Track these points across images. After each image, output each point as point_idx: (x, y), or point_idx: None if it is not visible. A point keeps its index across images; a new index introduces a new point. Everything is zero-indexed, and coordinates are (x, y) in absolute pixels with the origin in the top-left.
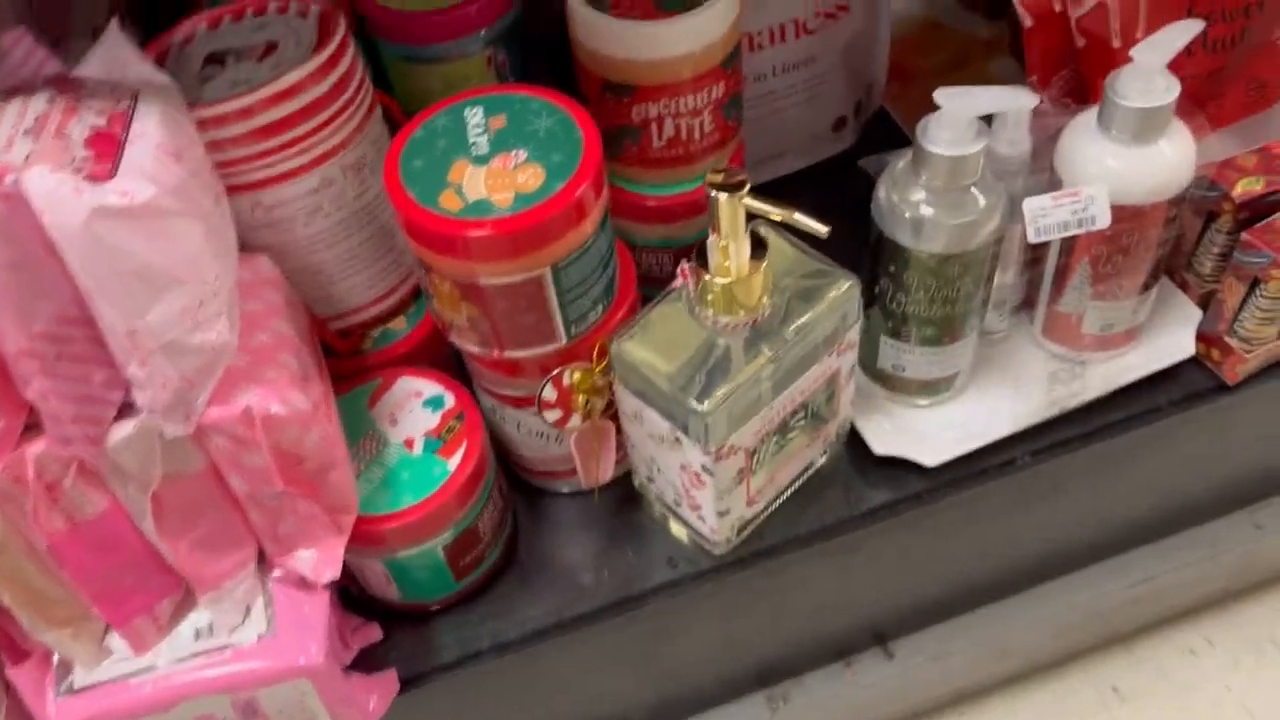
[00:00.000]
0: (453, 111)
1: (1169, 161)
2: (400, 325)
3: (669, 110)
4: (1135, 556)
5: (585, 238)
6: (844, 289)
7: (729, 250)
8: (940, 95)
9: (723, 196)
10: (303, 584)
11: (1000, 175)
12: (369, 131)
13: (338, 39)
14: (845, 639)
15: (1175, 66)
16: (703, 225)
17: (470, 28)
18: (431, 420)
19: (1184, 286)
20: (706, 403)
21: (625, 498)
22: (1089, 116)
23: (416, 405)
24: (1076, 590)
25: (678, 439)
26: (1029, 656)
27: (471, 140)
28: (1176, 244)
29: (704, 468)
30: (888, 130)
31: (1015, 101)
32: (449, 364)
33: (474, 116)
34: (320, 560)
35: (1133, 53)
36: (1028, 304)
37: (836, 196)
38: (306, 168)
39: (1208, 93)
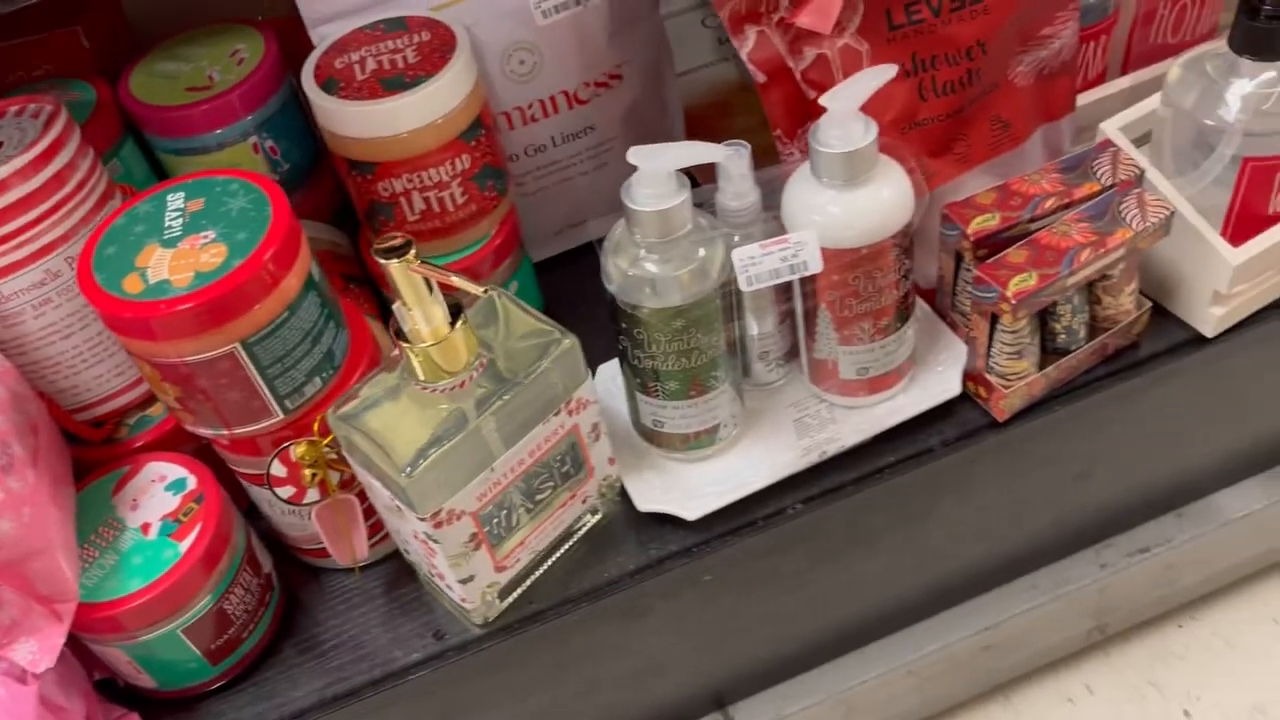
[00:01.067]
0: (156, 198)
1: (881, 203)
2: (157, 411)
3: (414, 184)
4: (981, 602)
5: (276, 312)
6: (564, 347)
7: (418, 316)
8: (633, 154)
9: (392, 264)
10: (23, 676)
11: (734, 228)
12: (99, 221)
13: (52, 134)
14: (681, 704)
15: (912, 110)
16: None
17: (228, 117)
18: (171, 503)
19: (954, 326)
20: (410, 469)
21: (402, 570)
22: (805, 167)
23: (159, 489)
24: (925, 640)
25: (398, 507)
26: (881, 713)
27: (167, 224)
28: (940, 282)
29: (427, 535)
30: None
31: (707, 155)
32: (208, 448)
33: (175, 201)
34: (39, 650)
35: (823, 101)
36: (796, 352)
37: None
38: (28, 260)
39: (953, 133)
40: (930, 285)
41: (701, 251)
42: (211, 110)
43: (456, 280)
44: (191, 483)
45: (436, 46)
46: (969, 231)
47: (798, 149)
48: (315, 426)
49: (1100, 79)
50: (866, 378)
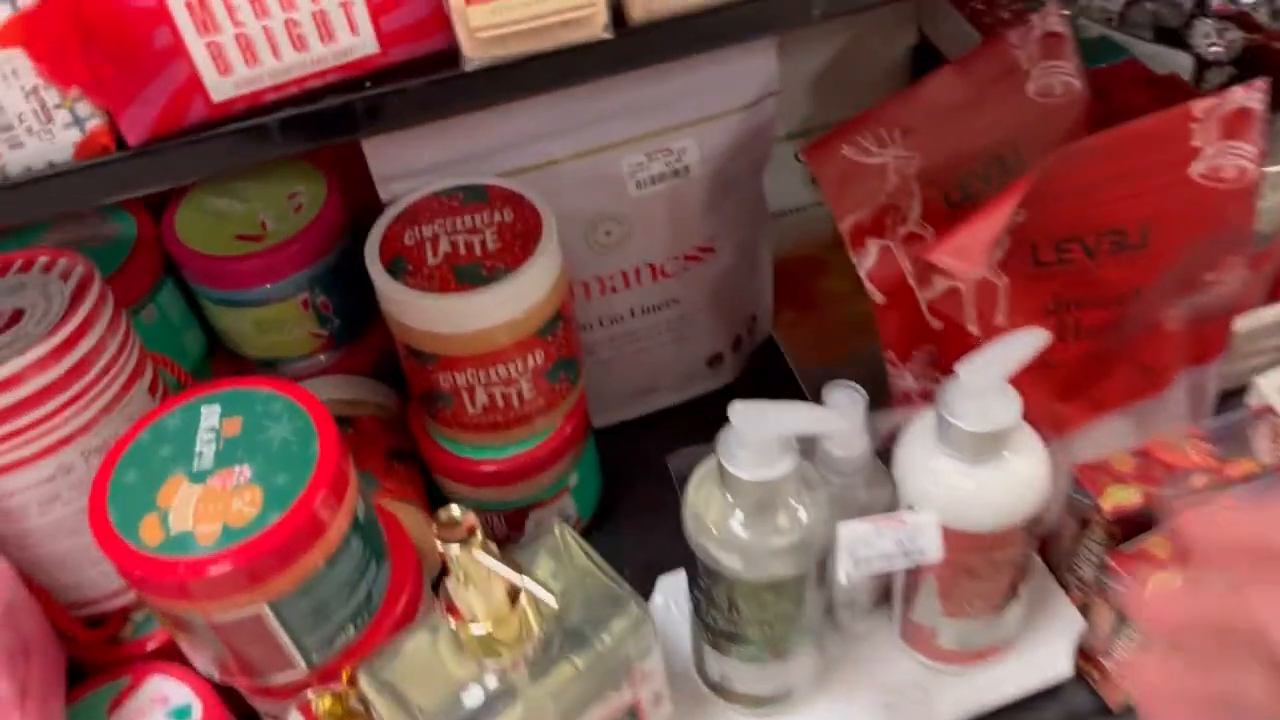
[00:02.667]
0: (188, 410)
1: (1014, 485)
2: None
3: (479, 380)
4: None
5: (313, 568)
6: (632, 619)
7: (474, 598)
8: (735, 415)
9: (453, 549)
10: None
11: (835, 474)
12: (123, 408)
13: (81, 312)
14: None
15: (1047, 353)
16: (535, 486)
17: (280, 273)
18: None
19: (1067, 588)
20: None
21: None
22: (925, 421)
23: (160, 714)
24: None
25: None
26: None
27: (198, 449)
28: (1056, 541)
29: None
30: (776, 362)
31: (820, 424)
32: None
33: (209, 418)
34: None
35: (959, 371)
36: (889, 599)
37: (713, 432)
38: (38, 456)
39: (1089, 375)
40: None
41: (804, 516)
42: (262, 266)
43: (530, 586)
44: (196, 711)
45: (520, 231)
46: (1105, 507)
47: (910, 372)
48: (344, 677)
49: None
50: (968, 650)
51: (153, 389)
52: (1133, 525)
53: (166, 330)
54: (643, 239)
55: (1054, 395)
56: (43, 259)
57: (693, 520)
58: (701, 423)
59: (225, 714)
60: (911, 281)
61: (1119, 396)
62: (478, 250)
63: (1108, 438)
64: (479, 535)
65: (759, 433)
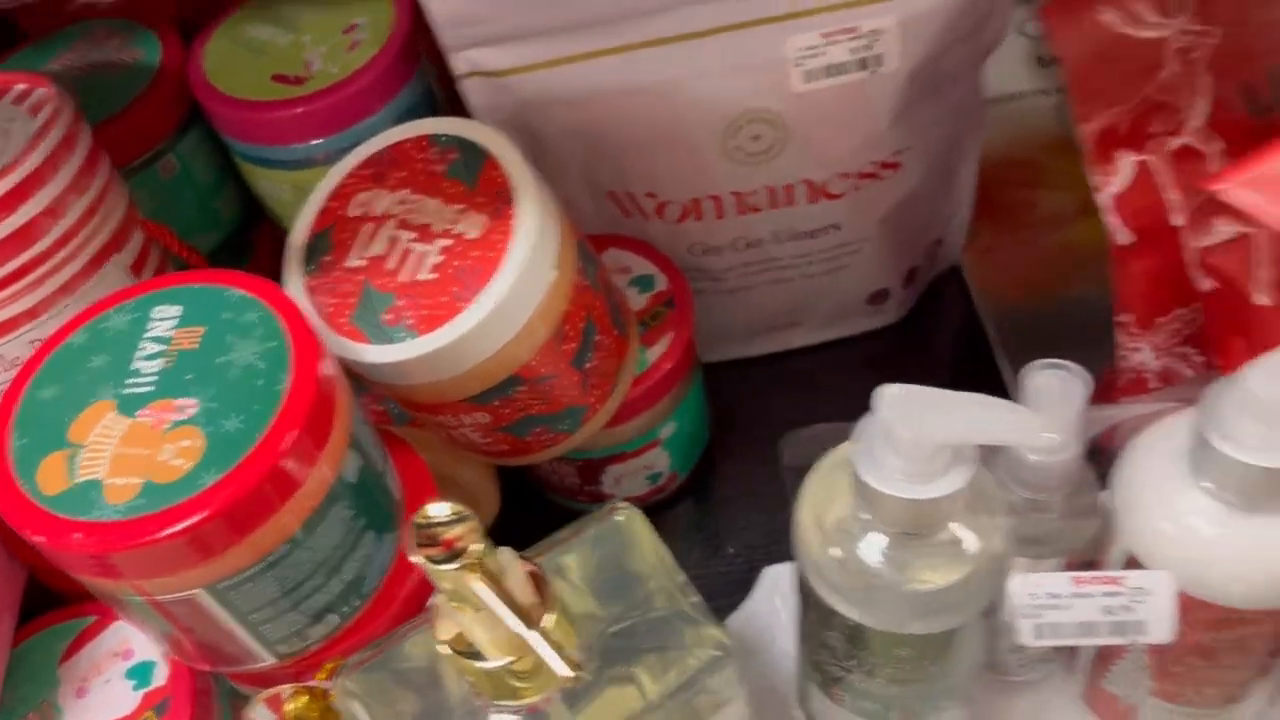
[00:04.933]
0: (138, 309)
1: None
2: None
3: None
4: None
5: (268, 549)
6: (705, 660)
7: (474, 627)
8: (886, 401)
9: (434, 567)
10: None
11: (1026, 488)
12: (89, 290)
13: (30, 164)
14: None
15: None
16: (614, 434)
17: (321, 128)
18: (127, 703)
19: None
20: None
21: None
22: (1174, 433)
23: (118, 674)
24: None
25: None
26: None
27: (134, 365)
28: None
29: None
30: (959, 298)
31: (1017, 433)
32: None
33: (160, 323)
34: None
35: (1246, 377)
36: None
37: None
38: None
39: None
40: None
41: (970, 548)
42: (298, 117)
43: (541, 650)
44: (160, 675)
45: (475, 265)
46: None
47: (1151, 345)
48: (323, 674)
49: None
50: None
51: (137, 267)
52: None
53: (188, 190)
54: (804, 149)
55: None
56: (18, 87)
57: (807, 537)
58: (852, 367)
59: (193, 682)
60: (1177, 219)
61: None
62: (406, 273)
63: None
64: (477, 549)
65: (916, 436)
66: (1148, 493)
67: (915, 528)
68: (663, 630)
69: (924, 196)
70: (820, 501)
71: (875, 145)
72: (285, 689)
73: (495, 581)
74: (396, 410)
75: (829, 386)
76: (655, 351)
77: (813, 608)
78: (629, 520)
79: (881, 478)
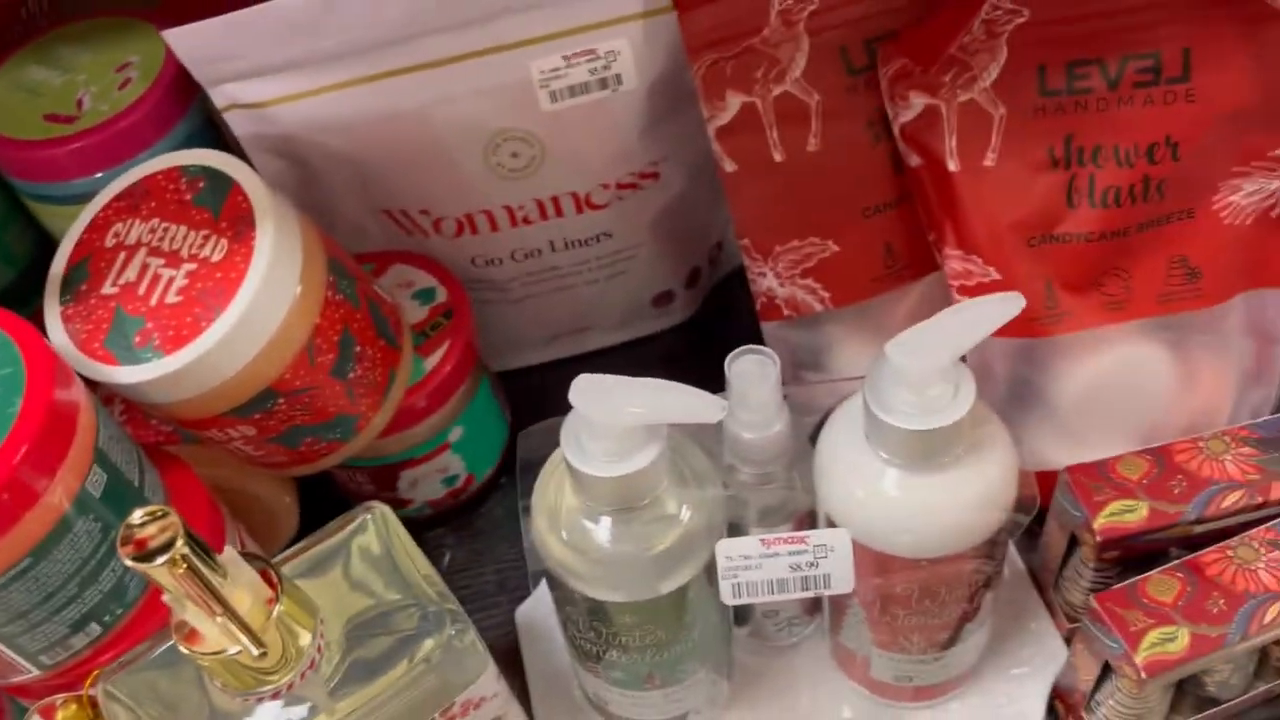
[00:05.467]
0: None
1: (965, 500)
2: None
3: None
4: None
5: (2, 567)
6: (443, 637)
7: (195, 620)
8: (576, 395)
9: (147, 567)
10: None
11: (748, 464)
12: None
13: None
14: None
15: (1052, 215)
16: (402, 440)
17: (93, 164)
18: None
19: (1051, 610)
20: None
21: None
22: (855, 405)
23: None
24: None
25: None
26: None
27: None
28: (1045, 554)
29: None
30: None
31: (694, 411)
32: None
33: None
34: None
35: (889, 350)
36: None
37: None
38: None
39: (1108, 263)
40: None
41: (684, 514)
42: (69, 154)
43: (231, 634)
44: None
45: (218, 284)
46: (1096, 527)
47: (773, 271)
48: (90, 681)
49: None
50: (908, 685)
51: None
52: (1133, 553)
53: None
54: (561, 164)
55: (1059, 280)
56: None
57: (537, 534)
58: (646, 366)
59: None
60: (778, 156)
61: (1146, 302)
62: (155, 297)
63: (1134, 364)
64: (176, 549)
65: (606, 419)
66: (833, 460)
67: (624, 503)
68: (411, 619)
69: (691, 203)
70: (549, 490)
71: (629, 157)
72: (57, 699)
73: (198, 576)
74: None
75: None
76: (433, 359)
77: (555, 586)
78: (379, 519)
79: (585, 460)
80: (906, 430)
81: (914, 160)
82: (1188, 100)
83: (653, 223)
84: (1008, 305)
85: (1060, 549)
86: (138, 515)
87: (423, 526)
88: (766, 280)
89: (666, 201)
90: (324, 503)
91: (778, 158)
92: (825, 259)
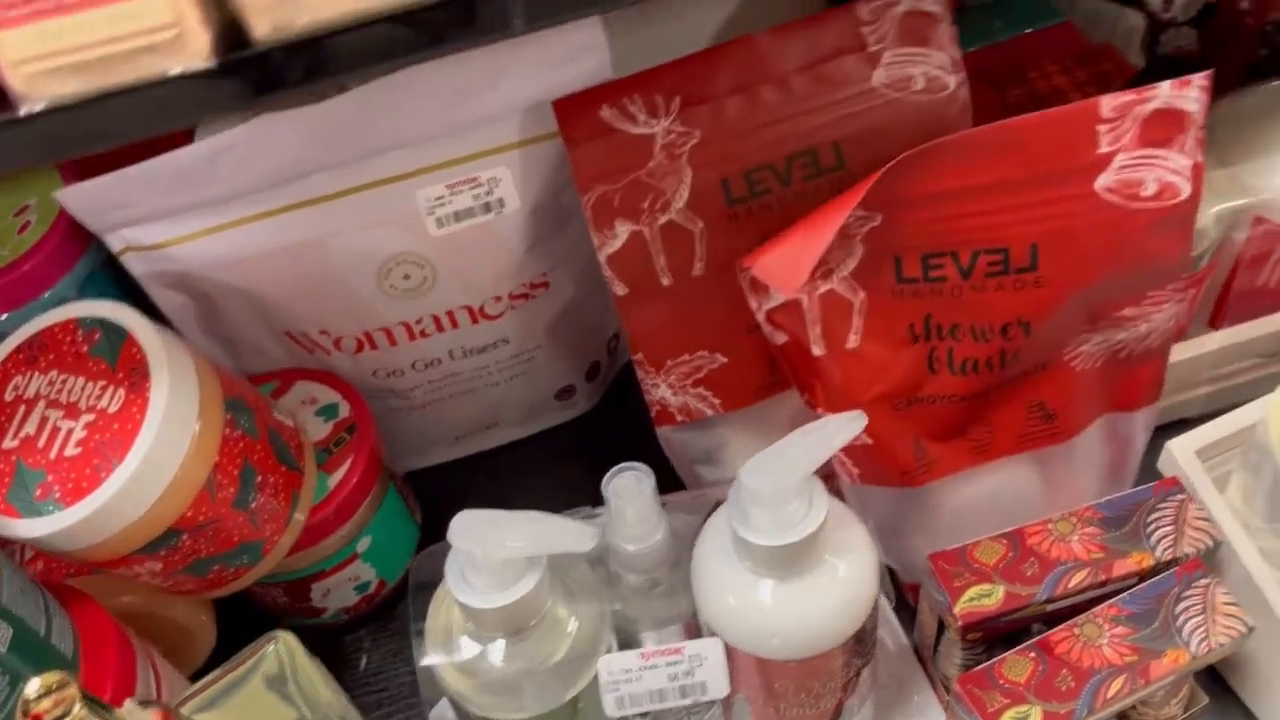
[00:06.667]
0: None
1: (830, 604)
2: None
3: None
4: None
5: None
6: None
7: None
8: (454, 534)
9: None
10: None
11: (633, 572)
12: None
13: None
14: None
15: (915, 383)
16: (309, 555)
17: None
18: None
19: (932, 682)
20: None
21: None
22: (725, 518)
23: None
24: None
25: None
26: None
27: None
28: (921, 633)
29: None
30: None
31: (565, 542)
32: None
33: None
34: None
35: (742, 477)
36: None
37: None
38: None
39: (970, 416)
40: None
41: (572, 626)
42: None
43: None
44: None
45: (116, 436)
46: (957, 612)
47: (666, 382)
48: None
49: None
50: None
51: None
52: (996, 631)
53: None
54: (453, 281)
55: (926, 434)
56: None
57: (429, 645)
58: (553, 456)
59: None
60: (665, 280)
61: (1008, 443)
62: (55, 449)
63: (1003, 487)
64: (68, 715)
65: (484, 553)
66: (705, 570)
67: (513, 627)
68: None
69: (584, 305)
70: (441, 615)
71: (518, 272)
72: None
73: None
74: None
75: (533, 476)
76: (337, 475)
77: (456, 706)
78: (283, 646)
79: (470, 593)
80: (766, 546)
81: (779, 339)
82: (1037, 286)
83: (548, 326)
84: (851, 425)
85: (932, 629)
86: (34, 687)
87: (340, 631)
88: (660, 390)
89: (560, 306)
90: (241, 617)
91: (665, 281)
92: (714, 370)
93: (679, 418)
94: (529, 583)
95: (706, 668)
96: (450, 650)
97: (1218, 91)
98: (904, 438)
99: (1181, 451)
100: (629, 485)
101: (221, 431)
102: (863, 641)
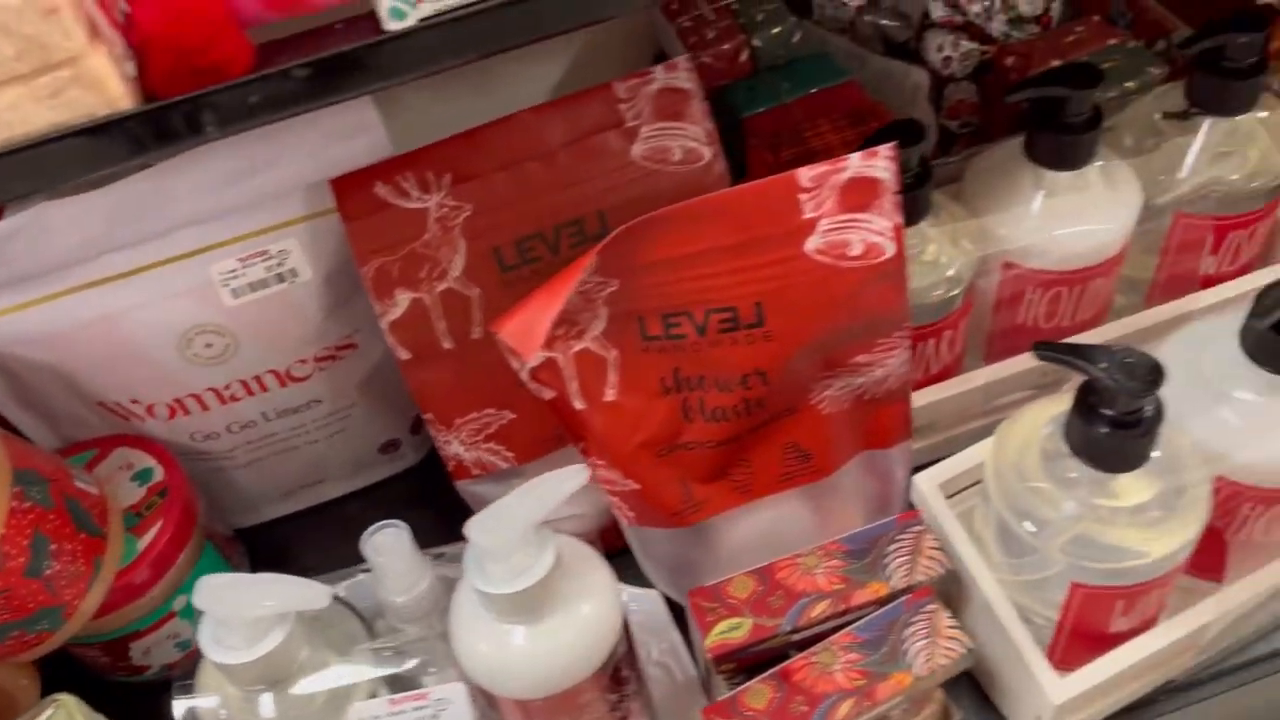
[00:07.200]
0: None
1: (571, 640)
2: None
3: None
4: None
5: None
6: None
7: None
8: (198, 598)
9: None
10: None
11: (407, 622)
12: None
13: None
14: None
15: (673, 431)
16: (124, 616)
17: None
18: None
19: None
20: None
21: None
22: None
23: None
24: None
25: None
26: None
27: None
28: (695, 656)
29: None
30: None
31: (301, 599)
32: None
33: None
34: None
35: (467, 533)
36: None
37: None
38: None
39: (730, 459)
40: None
41: (335, 673)
42: None
43: None
44: None
45: None
46: (707, 645)
47: (459, 439)
48: None
49: (952, 370)
50: None
51: None
52: (750, 661)
53: None
54: (256, 348)
55: (692, 477)
56: None
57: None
58: (379, 509)
59: None
60: (447, 344)
61: (770, 482)
62: None
63: (777, 522)
64: None
65: (228, 615)
66: (458, 617)
67: (270, 680)
68: None
69: (394, 363)
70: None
71: (320, 336)
72: None
73: None
74: None
75: (363, 527)
76: (148, 537)
77: None
78: (63, 711)
79: (220, 651)
80: (498, 594)
81: (547, 395)
82: (767, 340)
83: (360, 385)
84: (574, 478)
85: (703, 660)
86: None
87: (167, 688)
88: (453, 447)
89: (370, 366)
90: (67, 678)
91: (447, 345)
92: (504, 425)
93: (475, 471)
94: (276, 637)
95: (451, 712)
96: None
97: (992, 141)
98: (670, 482)
99: (927, 484)
100: (388, 541)
101: (8, 504)
102: (618, 675)
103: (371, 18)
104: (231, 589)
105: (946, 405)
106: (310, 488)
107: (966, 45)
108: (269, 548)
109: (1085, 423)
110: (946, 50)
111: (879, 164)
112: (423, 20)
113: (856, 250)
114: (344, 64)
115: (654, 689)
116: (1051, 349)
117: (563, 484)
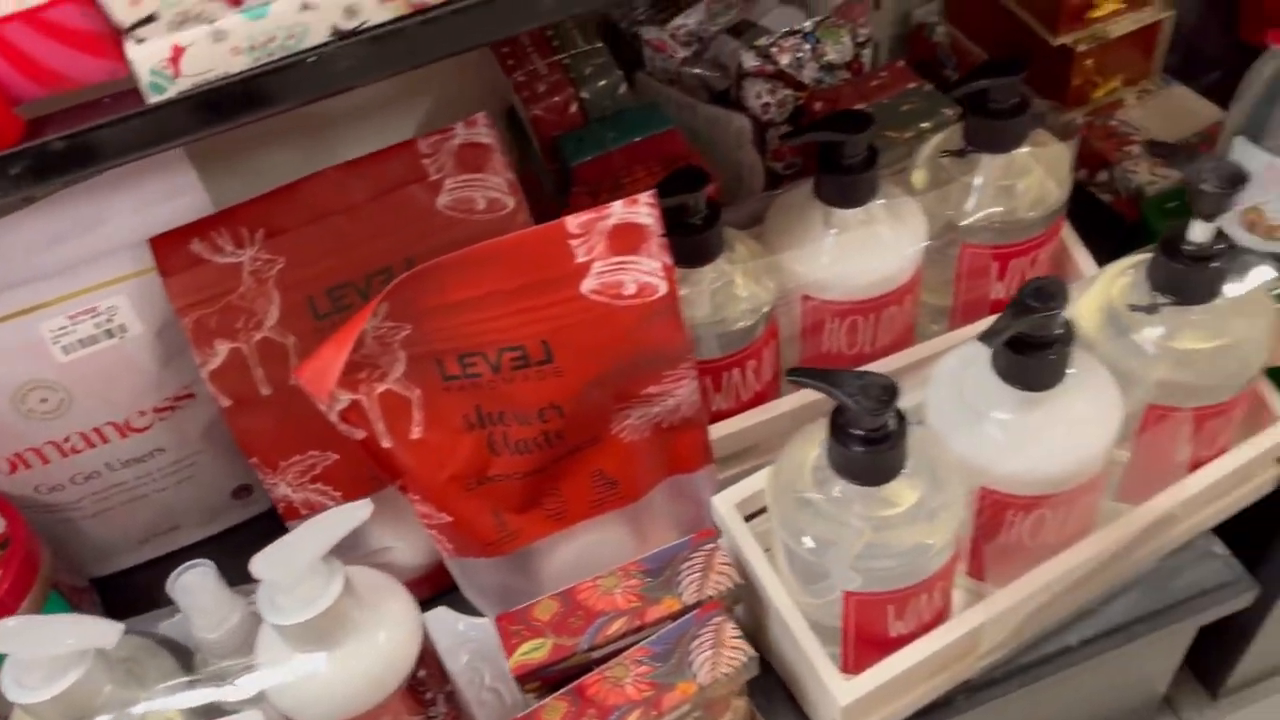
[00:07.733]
0: None
1: (359, 668)
2: None
3: None
4: None
5: None
6: None
7: None
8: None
9: None
10: None
11: (219, 655)
12: None
13: None
14: None
15: (482, 465)
16: None
17: None
18: None
19: None
20: None
21: None
22: None
23: None
24: None
25: None
26: None
27: None
28: None
29: None
30: None
31: (83, 640)
32: None
33: None
34: None
35: (253, 569)
36: None
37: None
38: None
39: (541, 489)
40: None
41: (142, 710)
42: None
43: None
44: None
45: None
46: (511, 665)
47: (285, 481)
48: None
49: (768, 394)
50: None
51: None
52: (555, 679)
53: None
54: (90, 401)
55: (505, 508)
56: None
57: None
58: (234, 554)
59: None
60: (265, 390)
61: (582, 509)
62: None
63: (597, 546)
64: None
65: (23, 655)
66: (264, 649)
67: (71, 718)
68: None
69: None
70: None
71: (157, 388)
72: None
73: None
74: None
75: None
76: None
77: None
78: None
79: (21, 692)
80: (288, 624)
81: (358, 435)
82: (557, 375)
83: (203, 433)
84: (355, 513)
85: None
86: None
87: None
88: (281, 489)
89: (212, 414)
90: None
91: (265, 391)
92: (329, 466)
93: (304, 512)
94: (73, 675)
95: None
96: None
97: None
98: (483, 513)
99: (723, 504)
100: (195, 580)
101: None
102: (419, 697)
103: (136, 92)
104: (28, 630)
105: (760, 430)
106: (165, 535)
107: (783, 92)
108: (126, 595)
109: (840, 444)
110: (765, 97)
111: (641, 210)
112: (181, 94)
113: (630, 290)
114: (101, 136)
115: (485, 713)
116: (803, 375)
117: (344, 519)
